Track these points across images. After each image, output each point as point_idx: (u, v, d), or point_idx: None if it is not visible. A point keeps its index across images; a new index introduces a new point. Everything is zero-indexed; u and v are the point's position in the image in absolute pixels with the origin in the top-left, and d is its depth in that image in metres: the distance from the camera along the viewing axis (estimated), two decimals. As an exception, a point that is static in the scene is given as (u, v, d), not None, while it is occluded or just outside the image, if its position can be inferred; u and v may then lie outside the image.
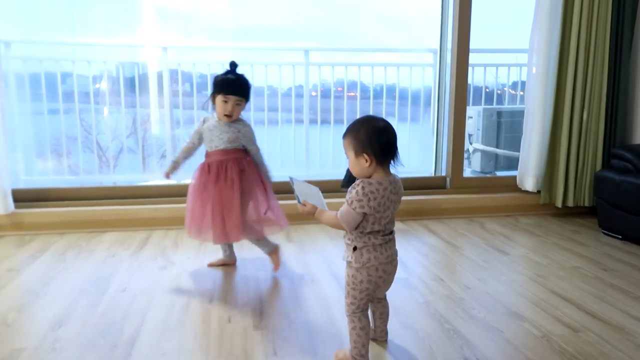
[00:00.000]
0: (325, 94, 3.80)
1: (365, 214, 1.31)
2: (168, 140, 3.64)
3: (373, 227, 1.34)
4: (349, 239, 1.38)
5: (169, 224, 2.82)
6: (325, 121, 3.78)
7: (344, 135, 1.38)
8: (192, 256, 2.37)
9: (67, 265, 2.25)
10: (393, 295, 1.88)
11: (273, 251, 2.17)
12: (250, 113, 3.55)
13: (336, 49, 4.00)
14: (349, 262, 1.39)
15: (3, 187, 2.64)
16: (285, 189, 1.70)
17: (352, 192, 1.33)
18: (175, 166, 2.14)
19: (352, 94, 3.84)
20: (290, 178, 1.46)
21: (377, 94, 3.80)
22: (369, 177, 1.34)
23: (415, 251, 2.46)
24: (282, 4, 5.06)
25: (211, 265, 2.24)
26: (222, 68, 2.05)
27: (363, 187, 1.31)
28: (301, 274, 2.14)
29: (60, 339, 1.56)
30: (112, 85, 3.64)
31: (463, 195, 3.19)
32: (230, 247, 2.25)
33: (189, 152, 2.15)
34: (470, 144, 4.08)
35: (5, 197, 2.65)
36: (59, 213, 2.77)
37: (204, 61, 3.66)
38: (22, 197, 2.81)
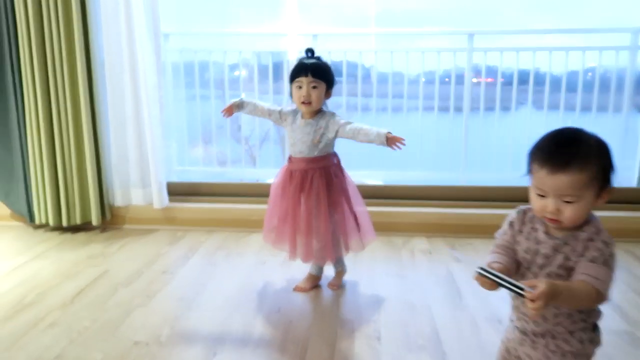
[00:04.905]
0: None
1: None
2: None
3: None
4: (581, 318, 0.94)
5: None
6: (486, 110, 3.23)
7: (572, 167, 0.87)
8: (349, 271, 2.08)
9: (217, 269, 2.12)
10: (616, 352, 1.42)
11: (340, 270, 1.96)
12: (403, 100, 3.18)
13: (505, 32, 3.45)
14: (581, 349, 0.95)
15: (159, 181, 2.61)
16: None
17: (599, 245, 0.89)
18: (240, 105, 1.86)
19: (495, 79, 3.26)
20: (481, 269, 0.91)
21: (554, 84, 3.18)
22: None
23: (628, 289, 1.91)
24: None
25: (299, 289, 1.91)
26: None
27: (608, 242, 0.90)
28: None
29: (215, 371, 1.37)
30: (258, 73, 3.53)
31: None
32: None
33: (260, 112, 1.86)
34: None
35: (160, 190, 2.62)
36: (208, 209, 2.69)
37: (353, 49, 3.37)
38: (175, 191, 2.78)
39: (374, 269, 2.13)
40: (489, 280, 0.88)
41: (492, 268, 0.91)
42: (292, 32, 3.67)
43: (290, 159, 1.83)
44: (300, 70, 1.73)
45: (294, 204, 1.79)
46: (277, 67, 3.53)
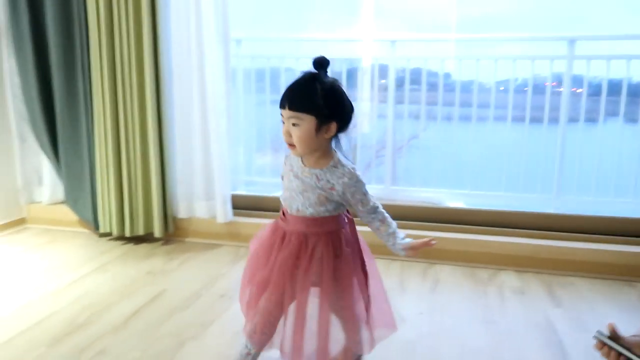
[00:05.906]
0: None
1: None
2: (390, 138, 3.08)
3: None
4: None
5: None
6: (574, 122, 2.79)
7: None
8: (426, 312, 1.81)
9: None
10: None
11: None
12: (490, 110, 2.83)
13: (613, 37, 3.02)
14: None
15: (223, 194, 2.48)
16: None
17: None
18: None
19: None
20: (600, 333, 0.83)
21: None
22: None
23: None
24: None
25: None
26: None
27: None
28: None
29: None
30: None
31: None
32: None
33: None
34: None
35: (225, 204, 2.49)
36: (274, 226, 2.52)
37: (434, 56, 3.09)
38: (240, 205, 2.64)
39: (457, 311, 1.85)
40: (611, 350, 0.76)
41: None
42: (367, 38, 3.45)
43: (284, 215, 1.25)
44: (281, 99, 1.18)
45: (282, 277, 1.21)
46: (351, 74, 3.33)
